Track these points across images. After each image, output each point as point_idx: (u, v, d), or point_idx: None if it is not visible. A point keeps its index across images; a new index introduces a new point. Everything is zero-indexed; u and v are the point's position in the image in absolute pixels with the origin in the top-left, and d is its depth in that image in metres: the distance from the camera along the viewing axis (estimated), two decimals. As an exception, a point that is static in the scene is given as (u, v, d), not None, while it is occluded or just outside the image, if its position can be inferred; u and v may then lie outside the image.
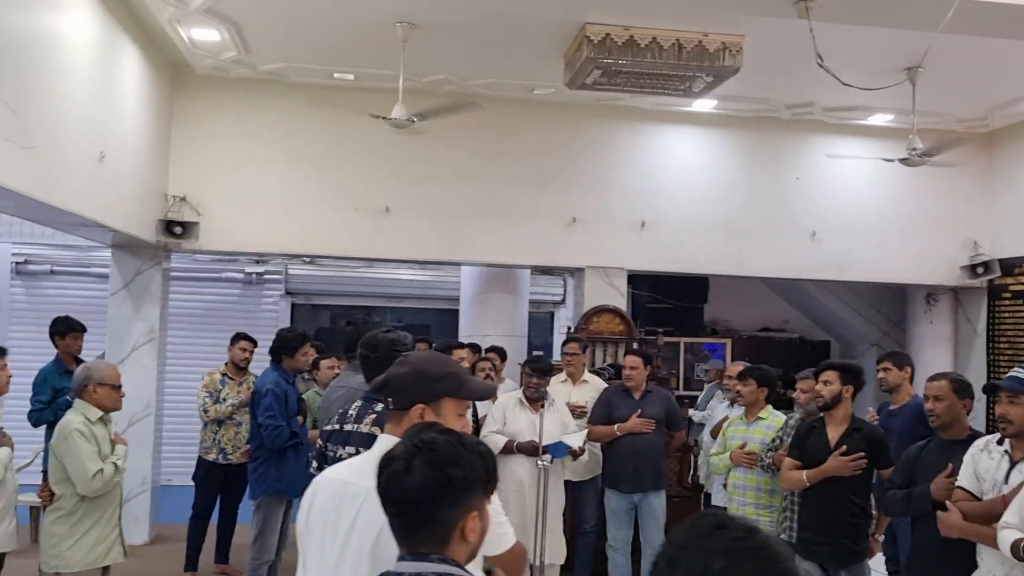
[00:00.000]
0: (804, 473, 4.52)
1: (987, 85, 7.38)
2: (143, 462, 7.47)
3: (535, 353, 7.64)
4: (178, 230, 7.34)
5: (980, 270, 8.38)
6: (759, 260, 8.34)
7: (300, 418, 5.67)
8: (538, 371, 5.72)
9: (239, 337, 6.74)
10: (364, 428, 2.95)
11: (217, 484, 6.55)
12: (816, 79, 7.37)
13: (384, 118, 6.18)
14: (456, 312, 10.59)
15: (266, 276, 10.56)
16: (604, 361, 7.84)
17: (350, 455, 2.95)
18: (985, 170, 8.61)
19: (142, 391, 7.48)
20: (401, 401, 2.17)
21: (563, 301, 11.00)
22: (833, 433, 4.56)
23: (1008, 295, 8.36)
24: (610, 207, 8.14)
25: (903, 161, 6.84)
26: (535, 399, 5.69)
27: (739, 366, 6.04)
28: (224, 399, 6.49)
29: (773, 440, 5.13)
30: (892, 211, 8.52)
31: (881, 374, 5.62)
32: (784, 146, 8.44)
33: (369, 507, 1.92)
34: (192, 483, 6.65)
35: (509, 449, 5.54)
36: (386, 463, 1.70)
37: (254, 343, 6.76)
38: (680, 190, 8.24)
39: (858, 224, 8.45)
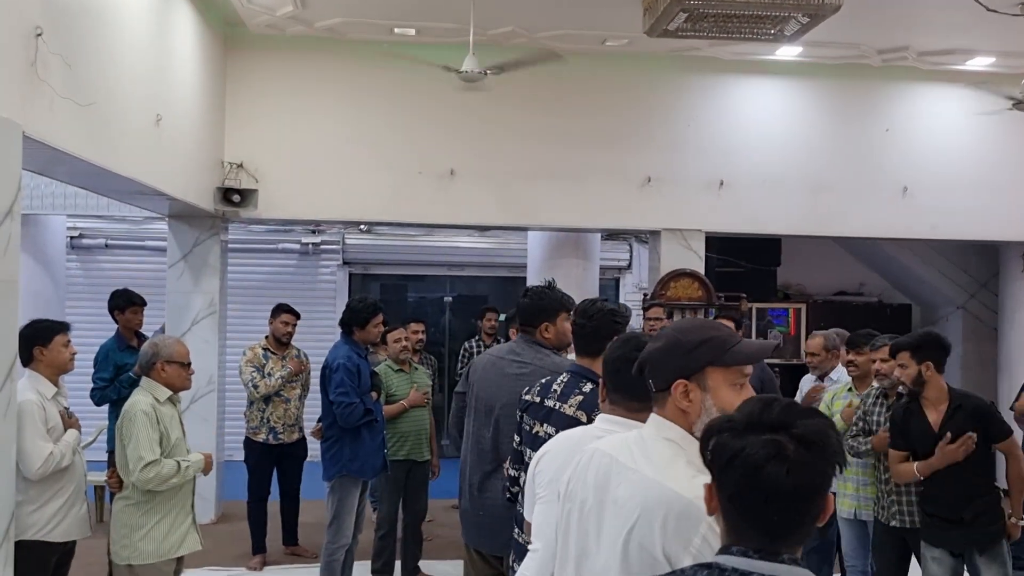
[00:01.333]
0: (915, 466, 4.09)
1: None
2: (207, 439, 7.20)
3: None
4: (236, 198, 7.03)
5: (1085, 225, 7.77)
6: (845, 219, 7.82)
7: (374, 394, 5.35)
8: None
9: (281, 309, 6.40)
10: (568, 410, 2.84)
11: (270, 465, 6.30)
12: (915, 19, 6.85)
13: (456, 71, 5.76)
14: (518, 280, 10.22)
15: (323, 246, 10.26)
16: (683, 329, 7.42)
17: (547, 435, 2.80)
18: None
19: (204, 366, 7.20)
20: (661, 380, 1.89)
21: (629, 266, 10.56)
22: (933, 415, 4.12)
23: (1117, 252, 7.74)
24: (686, 166, 7.66)
25: (1017, 106, 6.25)
26: None
27: (818, 338, 5.56)
28: (270, 374, 6.20)
29: (855, 422, 4.71)
30: (988, 163, 7.92)
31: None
32: (873, 96, 7.87)
33: (637, 491, 1.81)
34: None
35: None
36: (771, 451, 1.36)
37: (297, 316, 6.42)
38: (760, 146, 7.73)
39: (952, 178, 7.88)
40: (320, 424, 5.34)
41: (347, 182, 7.38)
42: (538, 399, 3.00)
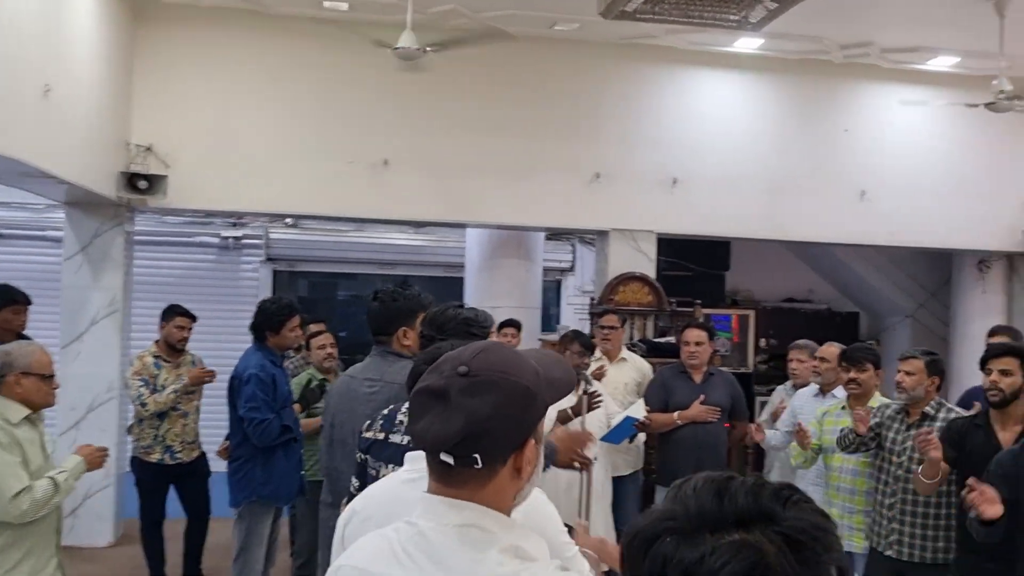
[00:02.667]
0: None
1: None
2: (106, 452, 6.50)
3: (566, 327, 6.72)
4: (143, 184, 6.29)
5: (1044, 234, 7.51)
6: (802, 223, 7.42)
7: (297, 407, 4.73)
8: (584, 346, 4.84)
9: (174, 311, 5.59)
10: None
11: (166, 487, 5.54)
12: (880, 11, 6.48)
13: (392, 48, 5.16)
14: (456, 281, 9.63)
15: (244, 241, 9.52)
16: (631, 337, 6.93)
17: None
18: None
19: (103, 371, 6.51)
20: (501, 452, 1.32)
21: (572, 268, 10.06)
22: (1006, 435, 3.66)
23: (1077, 262, 7.51)
24: (638, 162, 7.18)
25: (989, 106, 5.91)
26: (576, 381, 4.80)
27: (834, 347, 5.10)
28: (163, 386, 5.40)
29: (847, 434, 4.29)
30: (949, 169, 7.62)
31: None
32: (832, 94, 7.50)
33: None
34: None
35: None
36: None
37: (193, 318, 5.63)
38: (716, 143, 7.29)
39: (911, 183, 7.55)
40: (227, 443, 4.68)
41: (270, 170, 6.70)
42: (381, 435, 2.43)
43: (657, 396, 5.21)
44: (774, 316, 10.14)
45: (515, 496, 1.35)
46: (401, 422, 2.41)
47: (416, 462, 1.80)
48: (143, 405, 5.34)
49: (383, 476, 2.35)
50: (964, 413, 4.10)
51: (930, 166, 7.58)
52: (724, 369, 5.91)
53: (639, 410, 4.93)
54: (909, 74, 7.47)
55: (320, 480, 5.12)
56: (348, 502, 2.57)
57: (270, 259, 9.64)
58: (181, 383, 5.41)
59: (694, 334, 5.38)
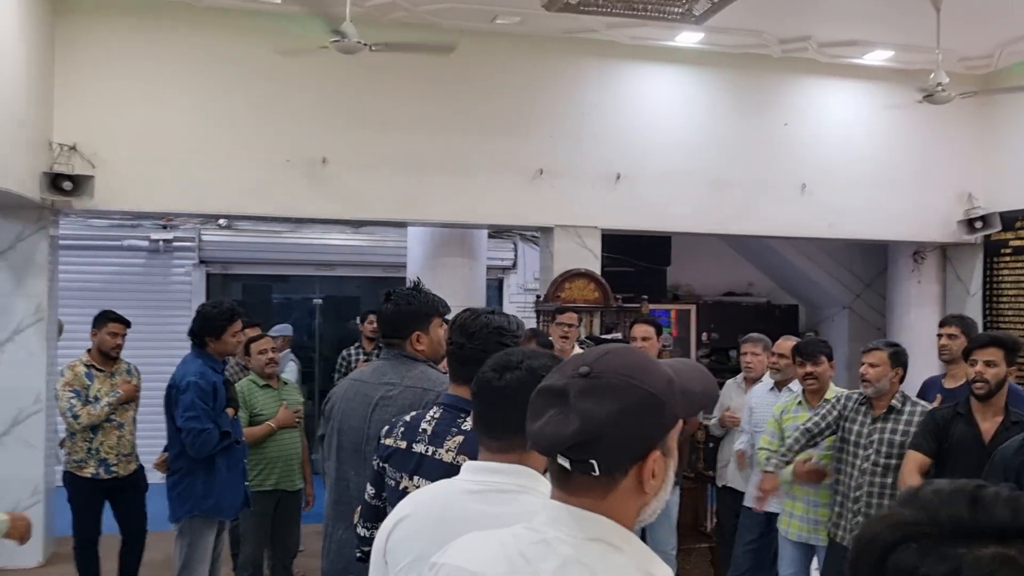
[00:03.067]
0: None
1: (1002, 15, 6.60)
2: (34, 467, 6.20)
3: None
4: (67, 185, 5.99)
5: (979, 224, 7.68)
6: (746, 217, 7.45)
7: (231, 411, 4.51)
8: (541, 344, 4.73)
9: (107, 318, 5.29)
10: (446, 455, 2.18)
11: (101, 502, 5.25)
12: (818, 6, 6.53)
13: (330, 41, 4.98)
14: (395, 281, 9.45)
15: (175, 243, 9.19)
16: (579, 334, 6.85)
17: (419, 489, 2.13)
18: (982, 116, 7.88)
19: (29, 382, 6.20)
20: (623, 458, 1.24)
21: (514, 266, 9.96)
22: (987, 425, 3.65)
23: (1008, 251, 7.69)
24: (581, 158, 7.11)
25: (928, 98, 5.99)
26: None
27: (790, 341, 5.08)
28: (96, 398, 5.13)
29: (809, 428, 4.27)
30: (885, 162, 7.73)
31: (944, 340, 4.78)
32: (772, 88, 7.54)
33: None
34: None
35: None
36: None
37: (126, 324, 5.35)
38: (658, 138, 7.27)
39: (849, 176, 7.64)
40: (165, 455, 4.46)
41: (202, 170, 6.45)
42: (403, 444, 2.30)
43: None
44: (715, 310, 10.21)
45: (639, 511, 1.26)
46: (424, 431, 2.27)
47: (476, 473, 1.71)
48: (75, 418, 5.05)
49: (404, 488, 2.23)
50: (928, 406, 4.11)
51: (867, 159, 7.68)
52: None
53: None
54: (845, 68, 7.55)
55: (267, 491, 4.98)
56: (364, 512, 2.43)
57: (203, 262, 9.32)
58: (115, 395, 5.15)
59: (642, 329, 5.35)
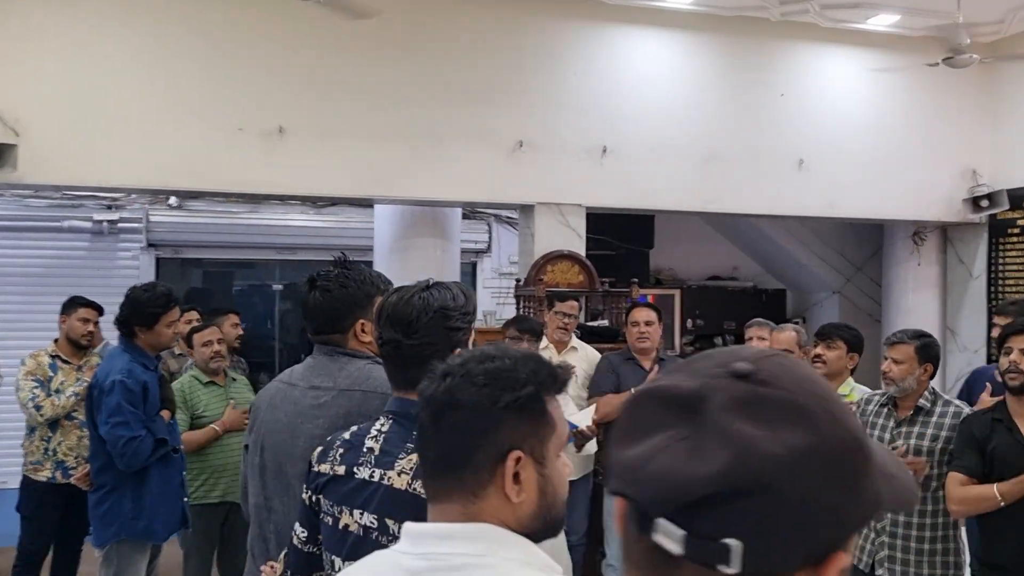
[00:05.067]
0: (996, 488, 3.09)
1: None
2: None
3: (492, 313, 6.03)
4: (-13, 156, 5.31)
5: (985, 203, 7.20)
6: (740, 194, 6.90)
7: (166, 413, 3.89)
8: (529, 331, 4.19)
9: (77, 303, 4.83)
10: (397, 479, 1.67)
11: (55, 512, 4.65)
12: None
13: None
14: (362, 265, 8.84)
15: (121, 224, 8.48)
16: (562, 320, 6.28)
17: (366, 527, 1.67)
18: (987, 89, 7.40)
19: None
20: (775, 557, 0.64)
21: (488, 249, 9.37)
22: None
23: (1016, 231, 7.22)
24: (564, 129, 6.51)
25: (948, 61, 5.47)
26: None
27: (789, 332, 4.55)
28: (60, 390, 4.61)
29: None
30: (886, 137, 7.22)
31: (996, 332, 4.26)
32: (768, 55, 6.98)
33: None
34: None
35: None
36: None
37: (99, 311, 4.85)
38: (648, 109, 6.69)
39: (850, 152, 7.12)
40: (87, 467, 3.82)
41: (144, 139, 5.77)
42: (340, 469, 1.76)
43: (608, 382, 4.65)
44: (699, 295, 9.70)
45: None
46: (369, 450, 1.73)
47: (418, 542, 1.19)
48: (38, 409, 4.53)
49: (344, 525, 1.69)
50: (963, 406, 3.57)
51: (869, 134, 7.17)
52: (671, 353, 5.32)
53: (584, 417, 4.30)
54: (847, 34, 7.02)
55: (213, 504, 4.36)
56: (292, 559, 1.84)
57: (152, 245, 8.62)
58: (81, 384, 4.56)
59: (643, 313, 4.83)
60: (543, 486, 1.17)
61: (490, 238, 9.33)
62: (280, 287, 9.44)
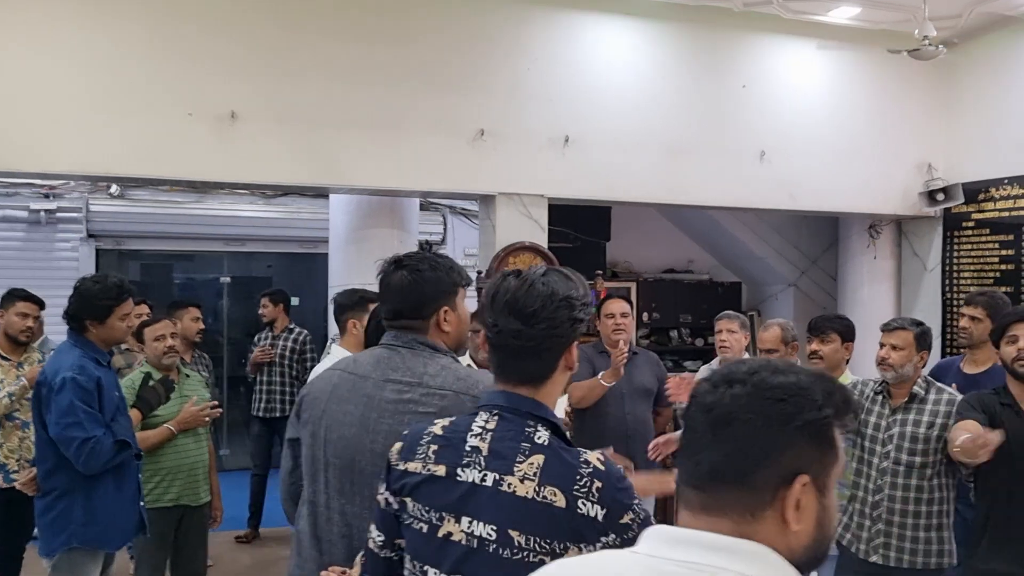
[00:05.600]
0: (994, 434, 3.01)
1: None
2: None
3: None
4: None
5: (940, 197, 7.26)
6: (703, 185, 6.83)
7: (135, 412, 3.66)
8: None
9: (16, 296, 4.59)
10: (520, 485, 1.52)
11: None
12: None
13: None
14: (315, 257, 8.62)
15: (59, 214, 8.10)
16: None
17: (479, 538, 1.52)
18: (943, 83, 7.46)
19: None
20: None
21: (443, 241, 9.19)
22: None
23: (971, 224, 7.30)
24: (527, 118, 6.36)
25: (912, 53, 5.45)
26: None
27: (775, 329, 4.47)
28: None
29: None
30: (845, 130, 7.22)
31: (965, 322, 4.24)
32: (731, 45, 6.93)
33: None
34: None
35: None
36: None
37: (39, 305, 4.59)
38: (611, 97, 6.57)
39: (810, 145, 7.10)
40: (33, 471, 3.57)
41: (86, 124, 5.46)
42: (439, 468, 1.61)
43: (584, 368, 4.55)
44: (655, 288, 9.67)
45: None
46: (475, 448, 1.58)
47: (677, 548, 1.06)
48: None
49: (447, 533, 1.55)
50: (956, 394, 3.53)
51: (827, 126, 7.16)
52: (646, 350, 5.22)
53: (561, 406, 4.19)
54: (808, 26, 7.00)
55: (167, 507, 4.12)
56: (370, 564, 1.70)
57: (92, 236, 8.27)
58: (19, 384, 4.34)
59: (618, 305, 4.73)
60: (821, 516, 1.07)
61: (445, 230, 9.15)
62: (227, 280, 9.15)
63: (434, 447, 1.63)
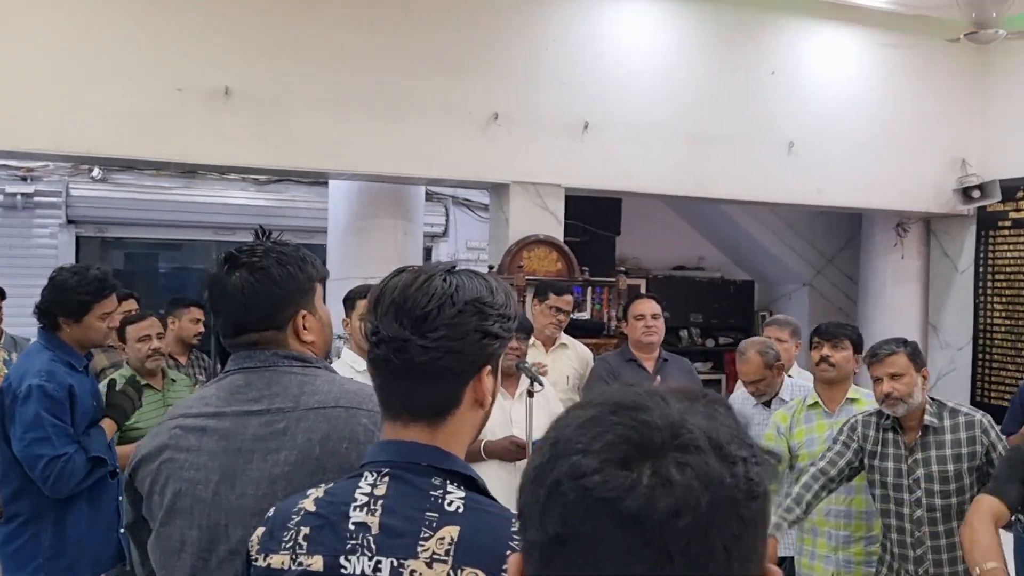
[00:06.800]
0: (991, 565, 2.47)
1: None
2: None
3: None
4: None
5: (976, 194, 6.86)
6: (728, 178, 6.40)
7: (109, 423, 3.19)
8: (519, 329, 3.58)
9: None
10: (427, 571, 1.10)
11: None
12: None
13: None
14: (312, 249, 8.11)
15: (37, 198, 7.58)
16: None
17: None
18: (979, 73, 7.06)
19: None
20: None
21: (445, 233, 8.72)
22: None
23: (1007, 224, 6.90)
24: (543, 103, 5.91)
25: (969, 36, 5.04)
26: (512, 374, 3.55)
27: (753, 358, 4.02)
28: None
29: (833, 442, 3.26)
30: (874, 122, 6.81)
31: None
32: (759, 29, 6.50)
33: None
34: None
35: (476, 454, 3.38)
36: None
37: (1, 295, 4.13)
38: (632, 82, 6.13)
39: (839, 136, 6.69)
40: (-4, 493, 3.09)
41: (66, 99, 4.97)
42: (314, 561, 1.18)
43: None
44: (665, 286, 9.23)
45: None
46: (362, 525, 1.16)
47: None
48: None
49: None
50: (974, 411, 3.07)
51: (859, 117, 6.75)
52: (676, 355, 4.79)
53: (551, 401, 3.76)
54: (841, 9, 6.58)
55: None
56: None
57: (72, 222, 7.75)
58: None
59: (649, 306, 4.29)
60: None
61: (447, 222, 8.69)
62: (216, 271, 8.66)
63: (305, 530, 1.19)
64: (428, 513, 1.12)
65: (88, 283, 3.02)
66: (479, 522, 1.11)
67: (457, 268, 1.25)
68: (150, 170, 7.27)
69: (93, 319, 3.02)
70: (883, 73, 6.79)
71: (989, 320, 6.94)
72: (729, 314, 9.34)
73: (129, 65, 5.05)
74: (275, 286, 1.61)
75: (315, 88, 5.41)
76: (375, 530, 1.13)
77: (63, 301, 3.02)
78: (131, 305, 4.41)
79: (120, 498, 3.14)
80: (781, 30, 6.52)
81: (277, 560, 1.18)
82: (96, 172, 7.50)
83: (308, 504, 1.20)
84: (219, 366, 1.85)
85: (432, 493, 1.14)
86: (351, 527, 1.15)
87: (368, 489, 1.16)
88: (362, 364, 3.52)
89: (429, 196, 8.36)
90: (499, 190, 6.02)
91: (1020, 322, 6.70)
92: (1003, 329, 6.84)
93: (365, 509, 1.15)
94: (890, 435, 3.07)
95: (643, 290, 8.97)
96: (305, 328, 1.64)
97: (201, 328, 5.00)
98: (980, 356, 6.97)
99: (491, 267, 5.88)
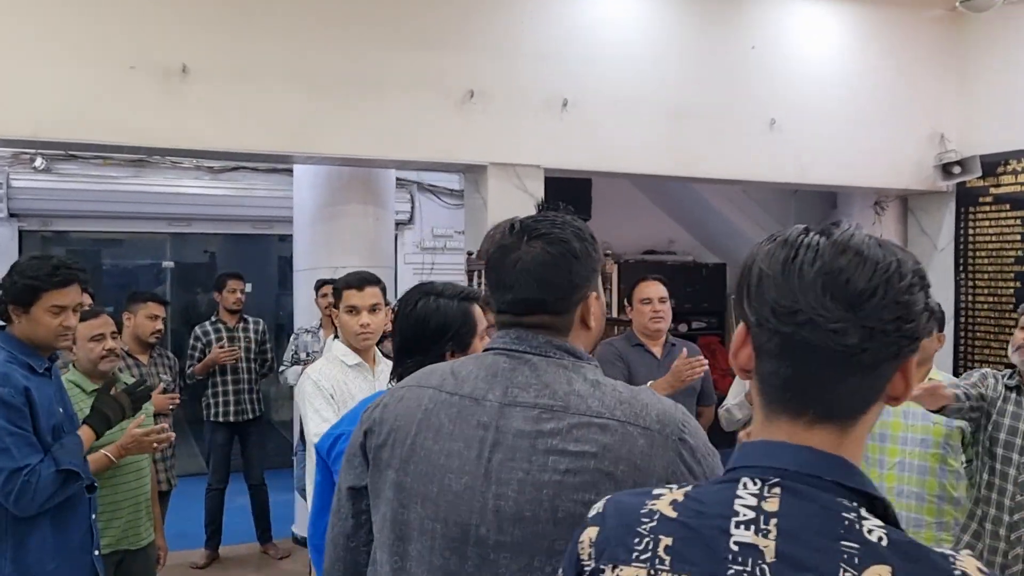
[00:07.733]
0: None
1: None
2: None
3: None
4: None
5: (956, 170, 6.74)
6: (711, 156, 6.18)
7: (87, 432, 2.84)
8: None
9: None
10: None
11: None
12: None
13: None
14: (269, 239, 7.78)
15: (-25, 190, 7.11)
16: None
17: None
18: (958, 47, 6.94)
19: None
20: None
21: (410, 220, 8.40)
22: None
23: (988, 199, 6.81)
24: (520, 78, 5.63)
25: (964, 3, 4.88)
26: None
27: None
28: None
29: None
30: (856, 96, 6.65)
31: None
32: (740, 1, 6.29)
33: None
34: None
35: None
36: None
37: None
38: (611, 57, 5.88)
39: (821, 112, 6.52)
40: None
41: (8, 79, 4.56)
42: (677, 571, 0.92)
43: (618, 374, 3.81)
44: (636, 271, 9.00)
45: None
46: (749, 548, 0.92)
47: None
48: None
49: None
50: None
51: (840, 92, 6.58)
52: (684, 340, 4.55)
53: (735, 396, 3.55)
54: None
55: (103, 553, 3.29)
56: None
57: (14, 216, 7.28)
58: None
59: (656, 288, 4.04)
60: None
61: (412, 208, 8.37)
62: (171, 265, 8.22)
63: (666, 540, 0.93)
64: (845, 543, 0.85)
65: (39, 267, 2.67)
66: (916, 560, 0.84)
67: (856, 231, 0.98)
68: (101, 155, 6.84)
69: (41, 311, 2.66)
70: (863, 47, 6.64)
71: (971, 298, 6.85)
72: (702, 298, 9.16)
73: (77, 41, 4.65)
74: (576, 261, 1.42)
75: (279, 65, 5.05)
76: (769, 557, 0.88)
77: (11, 285, 2.66)
78: (84, 299, 4.03)
79: (93, 516, 2.79)
80: (761, 2, 6.32)
81: (631, 573, 0.94)
82: (39, 162, 7.04)
83: (664, 507, 0.96)
84: (394, 379, 1.82)
85: (846, 516, 0.88)
86: (733, 547, 0.89)
87: (752, 502, 0.91)
88: (354, 358, 3.22)
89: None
90: (476, 172, 5.72)
91: (1003, 299, 6.61)
92: (985, 307, 6.75)
93: (752, 527, 0.90)
94: (1012, 394, 3.00)
95: (615, 277, 8.77)
96: (590, 315, 1.47)
97: (159, 325, 4.65)
98: (962, 334, 6.88)
99: (469, 253, 5.59)
